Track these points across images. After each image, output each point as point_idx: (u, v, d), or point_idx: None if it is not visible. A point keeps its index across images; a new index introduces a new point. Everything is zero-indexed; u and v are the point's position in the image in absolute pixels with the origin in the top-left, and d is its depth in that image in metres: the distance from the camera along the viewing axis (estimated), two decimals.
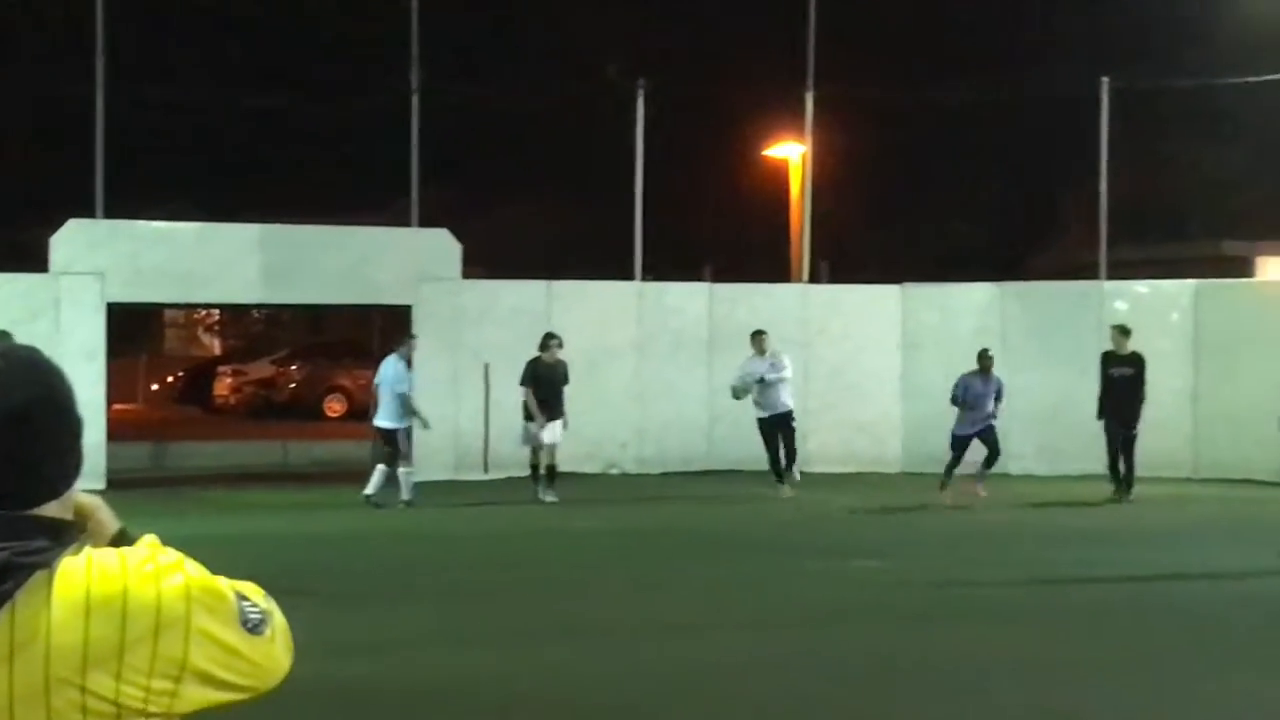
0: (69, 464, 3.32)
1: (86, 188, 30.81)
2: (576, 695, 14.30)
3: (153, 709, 3.29)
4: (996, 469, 30.51)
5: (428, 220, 32.42)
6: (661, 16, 38.61)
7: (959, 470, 27.97)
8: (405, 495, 26.92)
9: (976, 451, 28.19)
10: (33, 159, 35.28)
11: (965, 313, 33.23)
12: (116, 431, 32.15)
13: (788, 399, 28.86)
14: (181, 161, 37.65)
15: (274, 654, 3.56)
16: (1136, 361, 27.84)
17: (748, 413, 28.76)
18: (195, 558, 3.16)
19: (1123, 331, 28.29)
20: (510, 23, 41.99)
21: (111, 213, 30.80)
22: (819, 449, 31.88)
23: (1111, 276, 33.33)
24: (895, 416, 33.15)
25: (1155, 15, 35.49)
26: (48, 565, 3.18)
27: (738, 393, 28.81)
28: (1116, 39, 34.91)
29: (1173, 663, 15.20)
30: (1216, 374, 30.78)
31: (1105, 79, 33.91)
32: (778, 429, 28.72)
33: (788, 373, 28.77)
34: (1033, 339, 32.58)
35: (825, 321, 33.08)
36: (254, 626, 3.47)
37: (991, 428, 27.25)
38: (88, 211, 30.48)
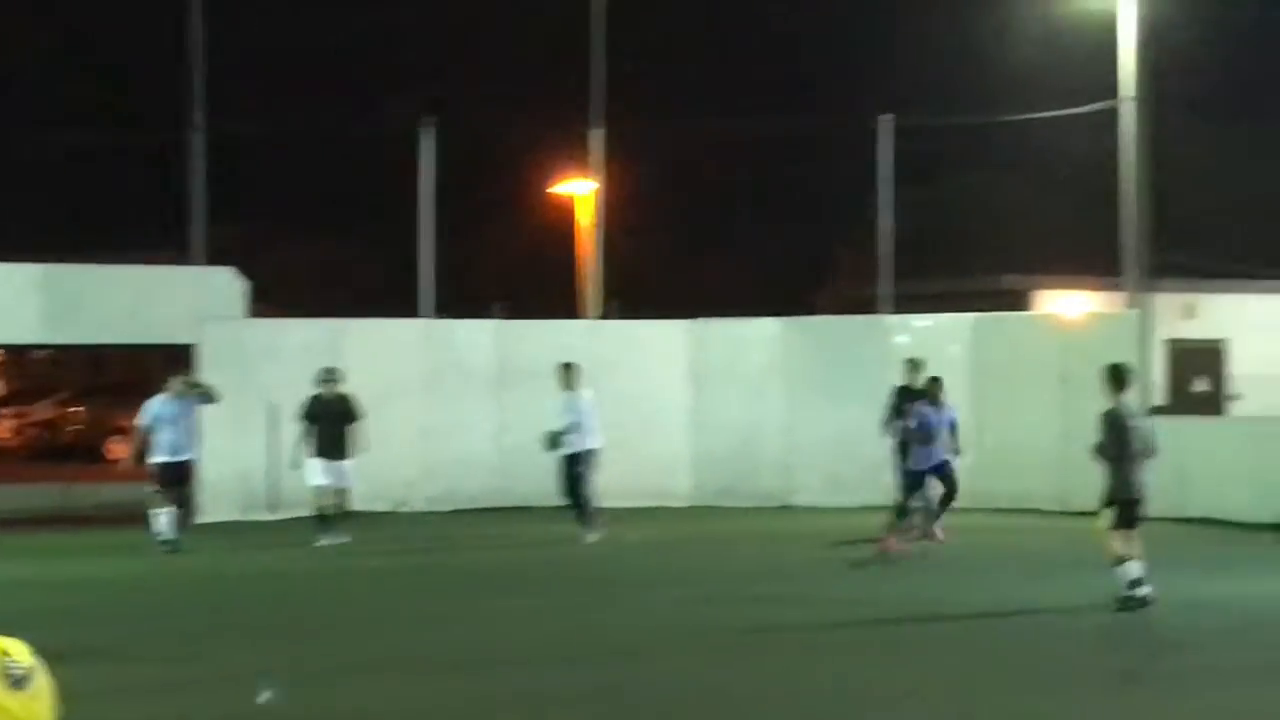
0: None
1: None
2: None
3: None
4: (784, 502, 31.43)
5: (215, 258, 32.17)
6: (452, 56, 38.55)
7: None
8: (170, 534, 26.14)
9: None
10: None
11: (752, 347, 33.37)
12: None
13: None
14: None
15: (36, 711, 3.51)
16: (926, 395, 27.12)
17: (537, 449, 28.76)
18: None
19: (915, 365, 27.96)
20: (302, 59, 41.98)
21: None
22: (607, 484, 31.87)
23: (894, 310, 33.84)
24: (684, 451, 33.09)
25: (936, 54, 36.10)
26: None
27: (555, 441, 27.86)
28: (899, 77, 35.55)
29: (972, 691, 15.39)
30: (997, 406, 31.28)
31: (888, 116, 34.57)
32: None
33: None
34: (817, 373, 32.89)
35: (614, 357, 32.81)
36: (17, 682, 3.45)
37: (948, 463, 25.36)
38: None
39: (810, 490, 31.97)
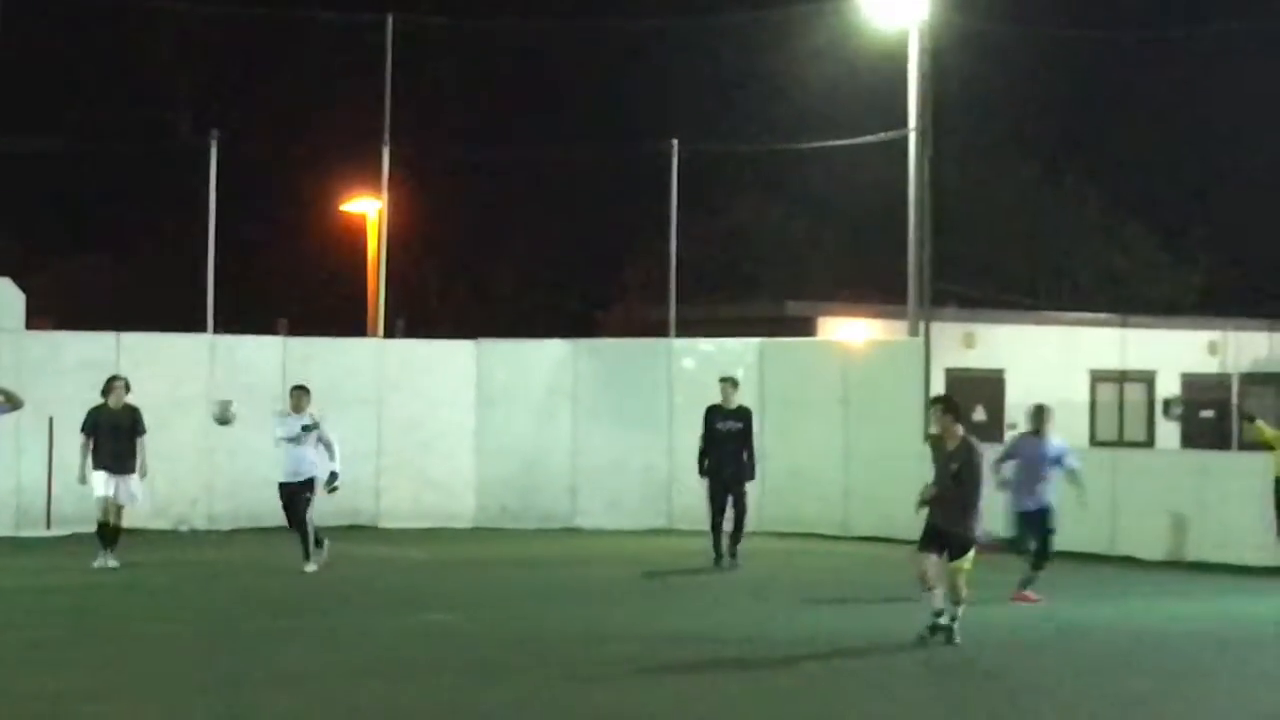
0: None
1: None
2: None
3: None
4: (568, 524, 31.74)
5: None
6: (243, 71, 38.28)
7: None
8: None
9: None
10: None
11: (539, 368, 33.63)
12: None
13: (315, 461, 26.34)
14: None
15: None
16: (744, 415, 26.94)
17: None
18: None
19: (732, 384, 27.43)
20: (83, 73, 41.34)
21: None
22: (392, 504, 32.18)
23: (680, 334, 33.92)
24: (469, 471, 33.11)
25: (726, 83, 36.42)
26: None
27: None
28: (688, 105, 35.80)
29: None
30: (781, 430, 31.42)
31: (674, 141, 34.71)
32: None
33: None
34: (604, 394, 33.21)
35: (399, 376, 33.12)
36: None
37: (1050, 509, 21.29)
38: None
39: (594, 513, 32.22)
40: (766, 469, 29.29)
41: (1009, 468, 21.63)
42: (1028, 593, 21.34)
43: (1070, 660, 17.75)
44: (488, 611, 21.99)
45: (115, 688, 16.14)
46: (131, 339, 31.03)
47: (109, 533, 24.98)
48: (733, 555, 26.34)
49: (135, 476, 25.28)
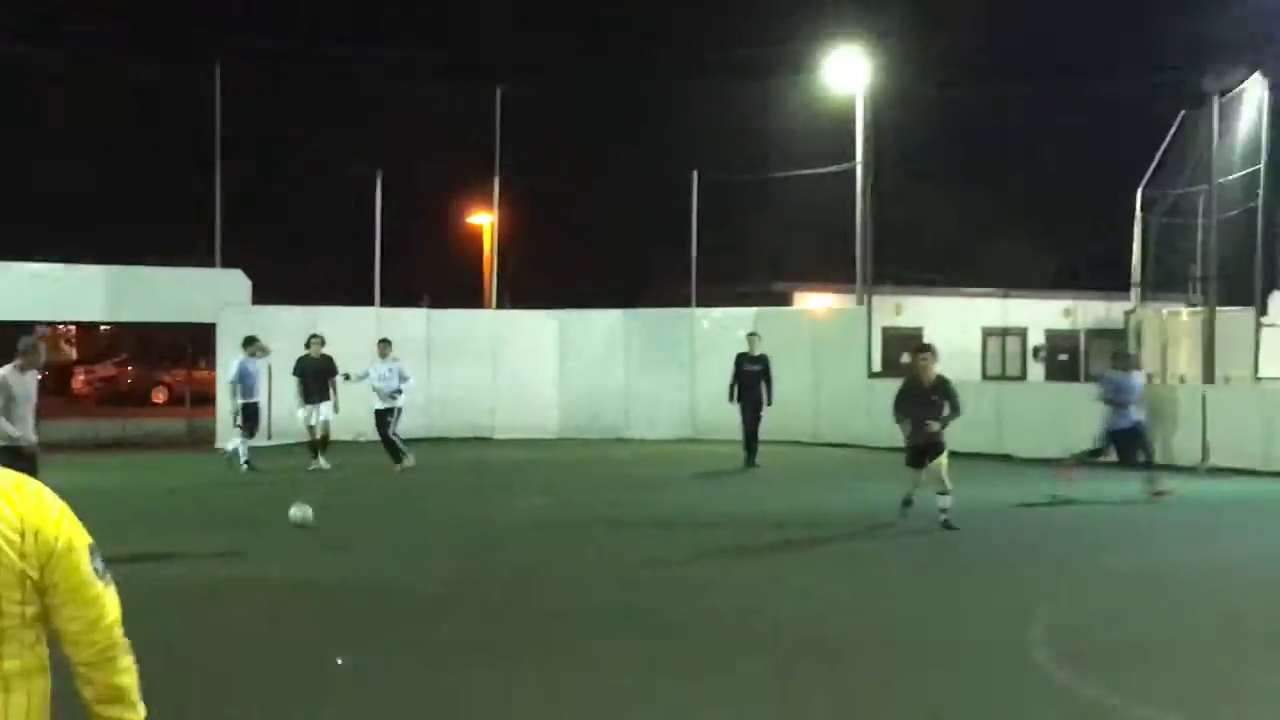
0: None
1: None
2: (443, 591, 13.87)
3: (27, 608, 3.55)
4: (620, 435, 32.39)
5: (229, 263, 32.30)
6: (400, 123, 38.79)
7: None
8: (248, 456, 25.49)
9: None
10: None
11: (601, 330, 33.96)
12: None
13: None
14: (32, 217, 36.72)
15: (110, 599, 3.68)
16: (763, 360, 26.58)
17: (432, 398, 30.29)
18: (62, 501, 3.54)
19: (756, 337, 27.27)
20: (292, 129, 41.63)
21: None
22: (502, 422, 32.71)
23: (699, 305, 34.30)
24: (554, 401, 33.52)
25: (732, 130, 36.98)
26: None
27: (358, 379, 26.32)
28: (704, 147, 36.47)
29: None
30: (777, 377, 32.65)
31: (695, 172, 35.36)
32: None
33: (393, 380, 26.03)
34: (645, 347, 33.69)
35: (506, 336, 33.69)
36: (102, 572, 3.65)
37: (1140, 424, 20.66)
38: None
39: (639, 428, 32.73)
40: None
41: (1105, 394, 20.52)
42: (1159, 489, 19.96)
43: (1021, 540, 17.19)
44: (574, 495, 22.12)
45: (364, 533, 17.33)
46: (325, 310, 31.27)
47: (317, 444, 25.48)
48: (753, 460, 26.16)
49: (329, 404, 25.63)
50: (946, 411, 17.34)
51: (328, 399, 25.77)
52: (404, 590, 13.77)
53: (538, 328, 34.44)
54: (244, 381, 25.83)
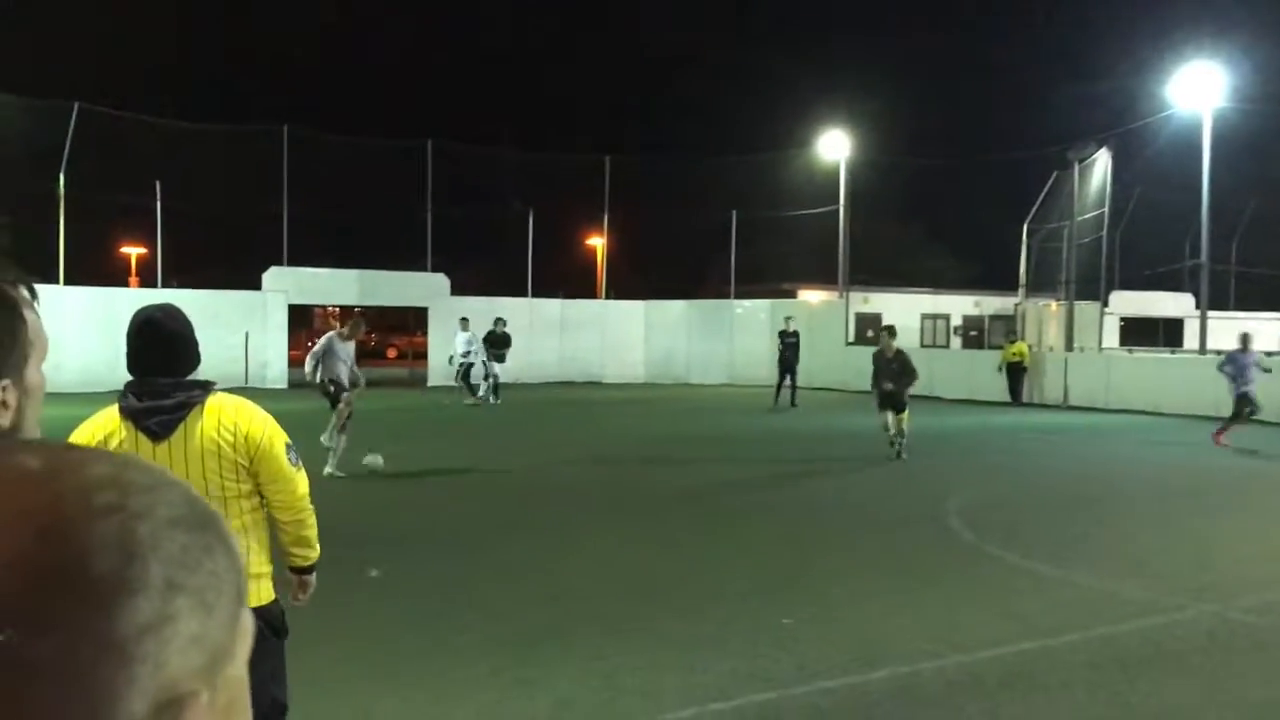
0: (197, 357, 3.43)
1: (279, 249, 31.59)
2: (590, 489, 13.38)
3: (242, 485, 3.44)
4: (685, 381, 32.06)
5: (437, 267, 32.25)
6: (549, 184, 37.85)
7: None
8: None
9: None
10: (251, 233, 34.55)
11: (672, 314, 33.79)
12: (293, 361, 32.89)
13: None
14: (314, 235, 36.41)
15: (301, 479, 3.57)
16: (796, 335, 25.25)
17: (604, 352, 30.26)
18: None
19: (791, 318, 25.98)
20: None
21: (291, 262, 31.08)
22: (609, 371, 32.38)
23: (735, 297, 34.37)
24: (641, 359, 33.31)
25: (756, 185, 36.92)
26: (202, 401, 3.39)
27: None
28: (739, 191, 36.57)
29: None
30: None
31: (734, 212, 35.29)
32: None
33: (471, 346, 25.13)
34: (701, 325, 33.45)
35: (611, 317, 33.32)
36: (295, 460, 3.55)
37: (1247, 393, 17.06)
38: (278, 261, 30.85)
39: (697, 376, 32.55)
40: (773, 365, 27.56)
41: (1229, 369, 17.83)
42: (1222, 437, 17.36)
43: (943, 451, 16.63)
44: (657, 421, 21.52)
45: (486, 456, 16.47)
46: (498, 300, 30.84)
47: (498, 387, 24.46)
48: (794, 400, 24.53)
49: (498, 365, 24.54)
50: (906, 379, 15.82)
51: (503, 360, 24.81)
52: (519, 475, 13.52)
53: (631, 311, 34.35)
54: (468, 348, 25.13)
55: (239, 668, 0.64)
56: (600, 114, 62.81)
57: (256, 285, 29.98)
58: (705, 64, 70.17)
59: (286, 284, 30.26)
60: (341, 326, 14.22)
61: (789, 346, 25.18)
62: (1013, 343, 27.37)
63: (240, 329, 29.25)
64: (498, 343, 24.88)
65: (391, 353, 49.84)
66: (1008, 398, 26.57)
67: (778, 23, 73.44)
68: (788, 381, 24.69)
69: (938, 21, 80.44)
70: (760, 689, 5.57)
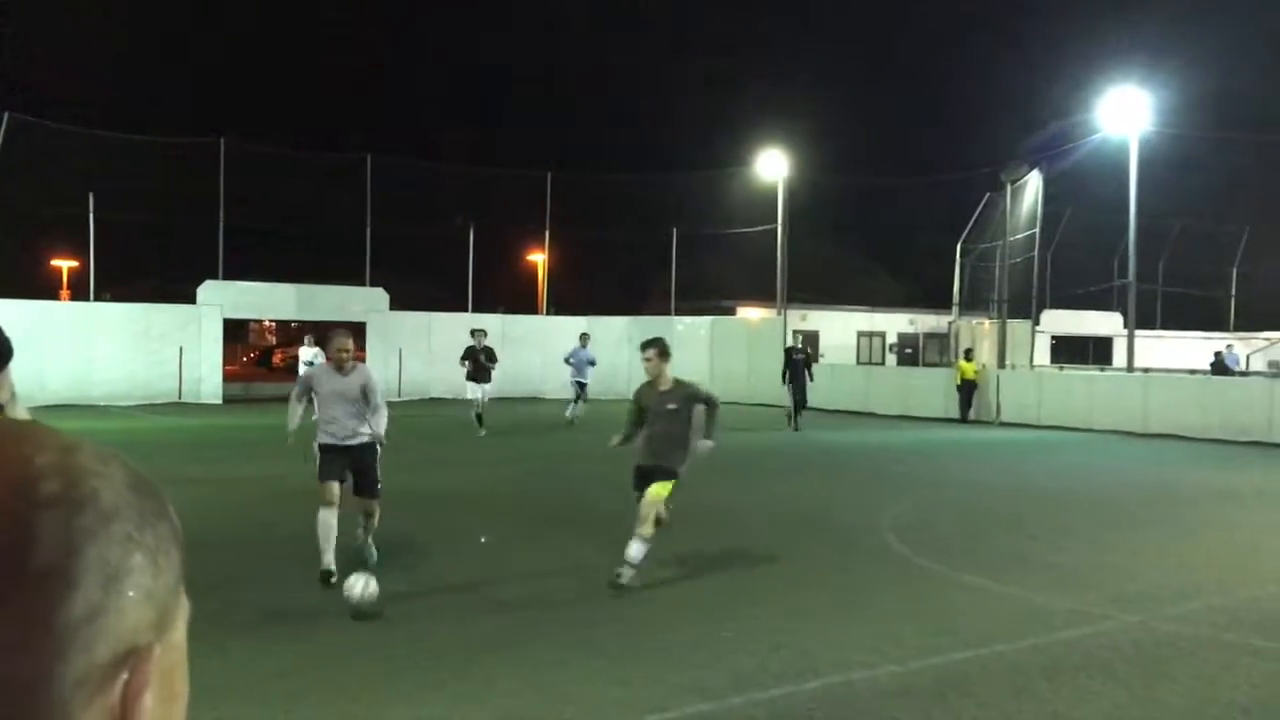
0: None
1: (214, 262, 31.39)
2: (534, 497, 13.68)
3: None
4: (626, 395, 32.44)
5: (372, 282, 32.23)
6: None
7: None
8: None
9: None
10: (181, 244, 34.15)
11: (617, 329, 33.78)
12: (228, 376, 32.26)
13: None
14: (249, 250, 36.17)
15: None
16: (805, 352, 24.72)
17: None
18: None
19: (798, 333, 27.21)
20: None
21: (227, 276, 30.74)
22: (550, 386, 32.49)
23: (677, 314, 34.68)
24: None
25: (693, 205, 37.30)
26: None
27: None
28: (679, 209, 36.87)
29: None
30: (721, 359, 32.38)
31: (674, 229, 36.08)
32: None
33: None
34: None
35: (553, 331, 33.19)
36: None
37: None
38: (213, 275, 30.45)
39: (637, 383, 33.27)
40: (716, 376, 29.16)
41: None
42: None
43: (861, 456, 17.92)
44: (597, 436, 22.47)
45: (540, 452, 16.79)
46: (437, 315, 31.20)
47: (479, 417, 20.82)
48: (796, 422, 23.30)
49: (489, 385, 21.24)
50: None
51: (488, 381, 21.09)
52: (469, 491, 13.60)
53: (573, 327, 33.89)
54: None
55: (180, 634, 0.67)
56: (541, 131, 62.81)
57: (191, 299, 29.65)
58: (645, 82, 70.40)
59: (222, 298, 29.96)
60: (313, 344, 13.59)
61: (794, 364, 24.02)
62: (968, 360, 27.74)
63: (174, 343, 28.86)
64: (477, 360, 20.98)
65: (279, 357, 49.03)
66: (948, 414, 26.87)
67: (719, 42, 74.02)
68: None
69: (878, 45, 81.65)
70: (696, 700, 5.64)
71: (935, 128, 61.72)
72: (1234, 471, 16.64)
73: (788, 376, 23.95)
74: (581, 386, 23.97)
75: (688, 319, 34.40)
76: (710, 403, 8.63)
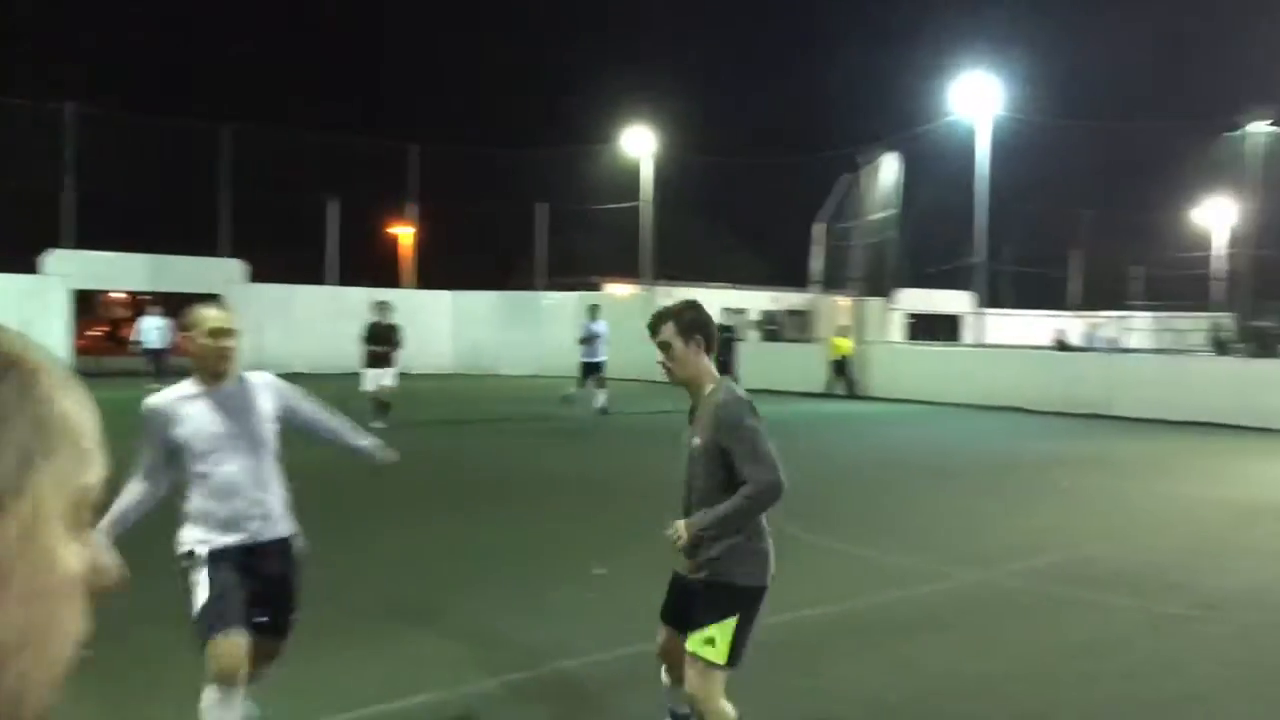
0: None
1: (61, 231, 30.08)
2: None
3: None
4: (495, 371, 31.62)
5: (234, 254, 31.16)
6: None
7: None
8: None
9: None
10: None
11: (483, 303, 33.18)
12: (80, 350, 30.81)
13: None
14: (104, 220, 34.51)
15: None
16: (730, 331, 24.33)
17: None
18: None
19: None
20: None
21: (78, 246, 29.51)
22: (416, 361, 32.49)
23: (545, 290, 34.61)
24: (450, 346, 33.05)
25: (564, 184, 36.96)
26: None
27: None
28: (553, 183, 36.56)
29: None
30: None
31: (541, 204, 36.03)
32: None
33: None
34: (511, 316, 33.31)
35: (422, 305, 32.47)
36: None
37: None
38: (60, 244, 29.27)
39: (505, 366, 32.02)
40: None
41: None
42: None
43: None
44: (460, 408, 21.24)
45: None
46: (300, 288, 30.23)
47: (379, 406, 16.71)
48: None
49: (393, 369, 17.26)
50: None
51: (389, 363, 17.37)
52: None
53: (439, 301, 33.87)
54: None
55: (24, 526, 0.66)
56: (407, 103, 61.62)
57: (36, 269, 28.27)
58: (514, 57, 69.69)
59: (70, 268, 28.74)
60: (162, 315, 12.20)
61: (724, 343, 22.73)
62: (842, 336, 28.09)
63: (15, 316, 27.52)
64: (380, 339, 17.39)
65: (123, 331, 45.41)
66: (809, 389, 27.31)
67: (591, 17, 73.76)
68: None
69: (746, 29, 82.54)
70: (517, 668, 5.67)
71: (799, 109, 62.69)
72: (1072, 441, 17.40)
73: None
74: (594, 367, 21.16)
75: (555, 294, 34.17)
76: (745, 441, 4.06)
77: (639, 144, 35.31)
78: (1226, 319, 37.76)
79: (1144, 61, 61.57)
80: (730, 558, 3.87)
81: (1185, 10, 60.60)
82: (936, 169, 35.87)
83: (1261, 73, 53.68)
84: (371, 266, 37.18)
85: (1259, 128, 43.69)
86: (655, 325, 4.07)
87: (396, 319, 17.50)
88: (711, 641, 3.81)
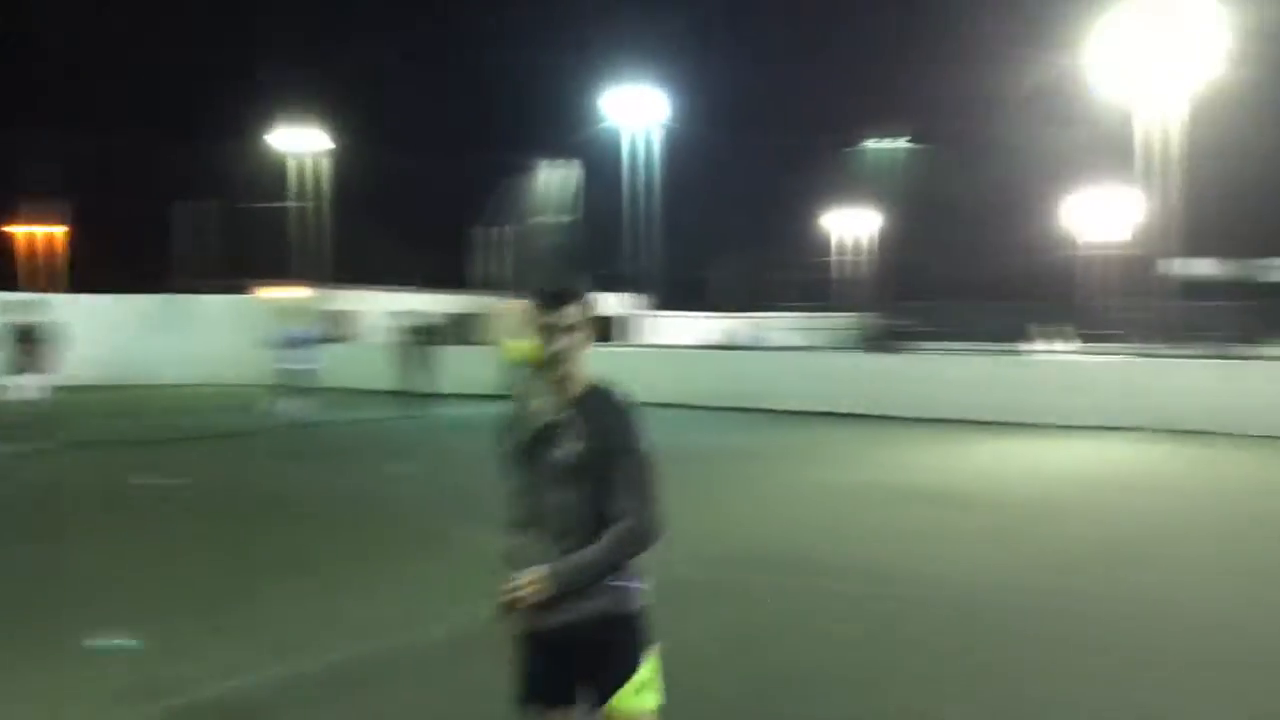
0: None
1: None
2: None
3: None
4: (155, 380, 29.07)
5: None
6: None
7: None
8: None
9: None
10: None
11: (134, 306, 31.02)
12: None
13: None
14: None
15: None
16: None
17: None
18: None
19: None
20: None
21: None
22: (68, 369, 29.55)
23: (199, 294, 32.50)
24: (95, 356, 30.00)
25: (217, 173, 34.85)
26: None
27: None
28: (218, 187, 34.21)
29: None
30: (246, 342, 30.74)
31: (189, 202, 33.66)
32: None
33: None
34: (167, 326, 30.92)
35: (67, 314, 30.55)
36: None
37: None
38: None
39: (159, 374, 29.82)
40: (241, 358, 27.22)
41: None
42: None
43: (390, 443, 17.31)
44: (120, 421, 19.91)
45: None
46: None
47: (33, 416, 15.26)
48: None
49: (45, 375, 15.90)
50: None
51: (37, 370, 15.80)
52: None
53: (87, 306, 30.72)
54: None
55: None
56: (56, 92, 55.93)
57: None
58: (173, 56, 64.97)
59: None
60: None
61: (419, 346, 22.52)
62: (515, 340, 27.83)
63: None
64: (26, 339, 15.74)
65: None
66: (468, 391, 27.04)
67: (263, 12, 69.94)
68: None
69: (421, 32, 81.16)
70: (172, 694, 5.48)
71: (469, 111, 62.40)
72: (742, 434, 18.11)
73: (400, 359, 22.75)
74: (299, 374, 19.77)
75: (210, 298, 32.37)
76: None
77: (293, 141, 33.91)
78: (871, 318, 40.93)
79: (795, 81, 65.62)
80: (615, 586, 3.11)
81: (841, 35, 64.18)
82: (604, 176, 36.92)
83: (885, 92, 58.62)
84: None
85: (878, 144, 48.03)
86: (553, 305, 3.20)
87: (43, 319, 16.01)
88: (645, 687, 3.11)
